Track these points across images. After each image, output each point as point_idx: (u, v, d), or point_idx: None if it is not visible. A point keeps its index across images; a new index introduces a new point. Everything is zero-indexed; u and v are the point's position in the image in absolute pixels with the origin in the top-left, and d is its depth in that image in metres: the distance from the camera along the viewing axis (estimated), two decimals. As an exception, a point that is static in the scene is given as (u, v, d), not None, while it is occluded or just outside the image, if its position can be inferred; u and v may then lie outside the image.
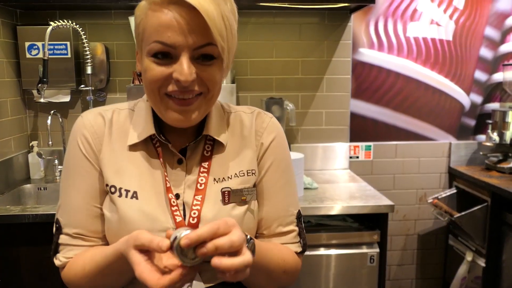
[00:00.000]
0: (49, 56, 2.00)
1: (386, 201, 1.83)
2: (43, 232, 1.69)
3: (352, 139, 2.46)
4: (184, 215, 0.82)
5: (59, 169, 2.21)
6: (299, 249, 0.91)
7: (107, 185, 0.83)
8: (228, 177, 0.85)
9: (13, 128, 2.13)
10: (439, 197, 2.40)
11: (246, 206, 0.85)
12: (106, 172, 0.84)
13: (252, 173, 0.88)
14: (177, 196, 0.82)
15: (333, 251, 1.83)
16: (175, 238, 0.63)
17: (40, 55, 2.10)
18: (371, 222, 1.88)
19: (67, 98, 2.23)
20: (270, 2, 2.04)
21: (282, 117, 2.24)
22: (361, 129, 2.46)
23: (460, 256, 2.34)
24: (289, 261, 0.87)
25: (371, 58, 2.39)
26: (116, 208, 0.82)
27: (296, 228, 0.91)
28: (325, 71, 2.38)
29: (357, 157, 2.47)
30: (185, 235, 0.62)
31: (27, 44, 2.12)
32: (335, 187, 2.08)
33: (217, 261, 0.62)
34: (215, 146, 0.87)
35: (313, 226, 1.87)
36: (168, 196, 0.81)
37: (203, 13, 0.69)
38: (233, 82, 2.25)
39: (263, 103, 2.23)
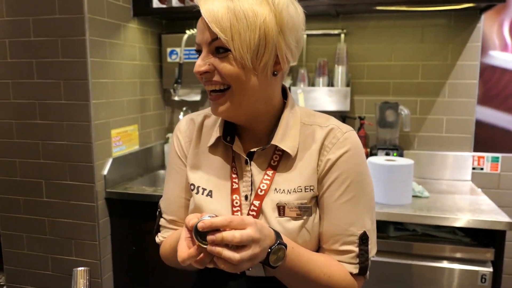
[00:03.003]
0: (184, 60, 2.30)
1: (504, 217, 1.68)
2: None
3: (476, 149, 2.27)
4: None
5: (187, 159, 2.52)
6: (354, 271, 0.88)
7: (188, 182, 0.95)
8: (288, 190, 0.88)
9: (154, 122, 2.50)
10: None
11: (301, 221, 0.87)
12: (188, 171, 0.96)
13: (310, 189, 0.88)
14: (246, 198, 0.89)
15: (440, 264, 1.75)
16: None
17: (178, 60, 2.43)
18: (485, 238, 1.74)
19: (198, 97, 2.53)
20: (387, 6, 2.02)
21: (397, 122, 2.20)
22: (488, 139, 2.26)
23: None
24: (336, 278, 0.86)
25: (504, 61, 2.18)
26: (194, 202, 0.93)
27: (356, 250, 0.87)
28: (448, 75, 2.25)
29: (482, 168, 2.28)
30: (203, 219, 0.70)
31: (168, 50, 2.47)
32: (449, 197, 1.97)
33: (212, 248, 0.69)
34: (284, 157, 0.90)
35: (418, 236, 1.81)
36: (232, 197, 0.89)
37: (202, 10, 0.78)
38: (347, 85, 2.28)
39: (377, 107, 2.21)
